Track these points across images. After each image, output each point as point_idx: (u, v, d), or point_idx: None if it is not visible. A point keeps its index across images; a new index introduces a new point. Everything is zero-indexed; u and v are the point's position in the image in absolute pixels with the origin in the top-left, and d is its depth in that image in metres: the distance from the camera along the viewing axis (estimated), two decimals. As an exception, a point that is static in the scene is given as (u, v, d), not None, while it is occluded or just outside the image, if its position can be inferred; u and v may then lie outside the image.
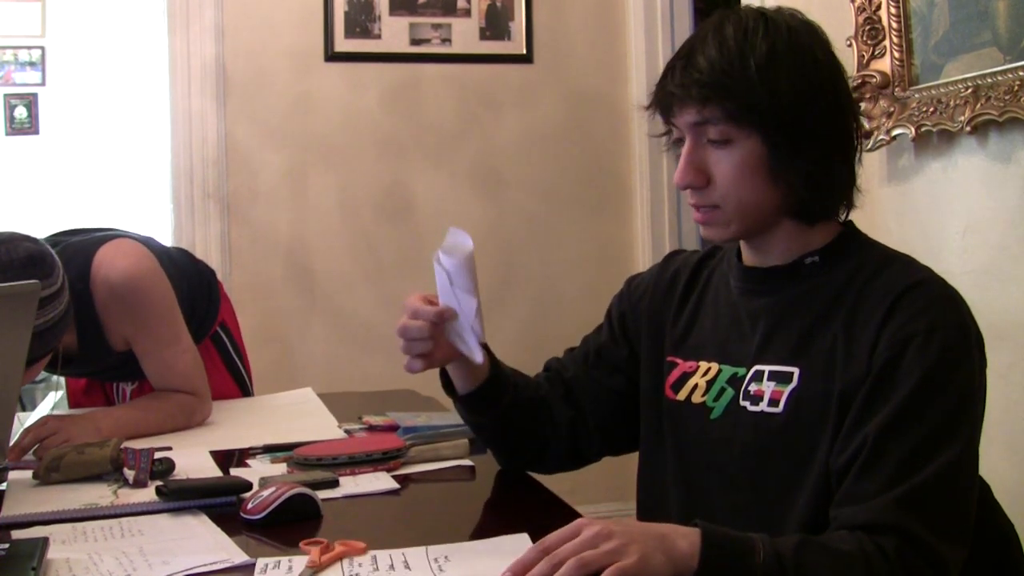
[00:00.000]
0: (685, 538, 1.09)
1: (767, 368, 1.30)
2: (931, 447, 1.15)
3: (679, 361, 1.43)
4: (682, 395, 1.40)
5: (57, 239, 2.02)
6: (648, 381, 1.47)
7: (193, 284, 2.26)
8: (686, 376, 1.41)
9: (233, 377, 2.35)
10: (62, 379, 2.25)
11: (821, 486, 1.22)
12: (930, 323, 1.20)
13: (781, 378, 1.29)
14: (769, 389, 1.29)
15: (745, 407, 1.31)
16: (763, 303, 1.35)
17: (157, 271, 2.04)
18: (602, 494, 3.74)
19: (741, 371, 1.34)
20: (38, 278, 1.67)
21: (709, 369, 1.38)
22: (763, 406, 1.29)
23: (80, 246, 2.00)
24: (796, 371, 1.28)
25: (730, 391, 1.34)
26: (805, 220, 1.33)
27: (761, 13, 1.31)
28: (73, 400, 2.29)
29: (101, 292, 1.96)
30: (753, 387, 1.31)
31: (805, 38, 1.29)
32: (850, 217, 1.40)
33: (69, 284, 1.84)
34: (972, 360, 1.22)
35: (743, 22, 1.29)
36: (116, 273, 1.96)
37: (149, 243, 2.15)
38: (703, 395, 1.37)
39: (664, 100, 1.32)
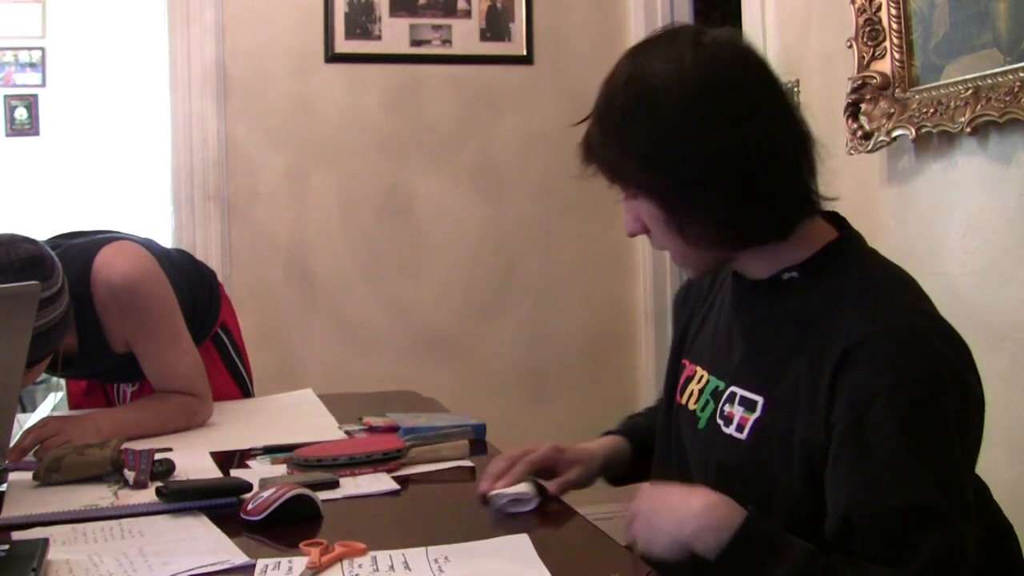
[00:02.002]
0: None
1: (739, 392, 1.28)
2: (930, 516, 1.09)
3: (687, 364, 1.44)
4: (683, 399, 1.41)
5: (57, 242, 2.02)
6: (669, 382, 1.47)
7: (194, 285, 2.26)
8: (688, 380, 1.41)
9: (234, 378, 2.35)
10: (62, 380, 2.25)
11: (780, 519, 1.18)
12: (894, 380, 1.12)
13: (748, 405, 1.26)
14: (738, 414, 1.27)
15: (720, 426, 1.30)
16: (747, 319, 1.32)
17: (157, 273, 2.04)
18: (602, 495, 3.73)
19: (721, 386, 1.33)
20: (38, 280, 1.67)
21: (702, 377, 1.38)
22: (731, 430, 1.28)
23: (80, 248, 2.00)
24: (761, 401, 1.25)
25: (712, 405, 1.33)
26: (761, 245, 1.25)
27: (631, 61, 1.24)
28: (73, 402, 2.29)
29: (101, 294, 1.96)
30: (727, 408, 1.30)
31: (673, 81, 1.18)
32: (850, 217, 1.37)
33: (69, 286, 1.84)
34: (948, 407, 1.13)
35: (616, 72, 1.24)
36: (116, 275, 1.96)
37: (149, 245, 2.15)
38: (695, 402, 1.37)
39: (580, 156, 1.31)
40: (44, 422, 1.79)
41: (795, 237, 1.26)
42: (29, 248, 1.75)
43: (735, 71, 1.21)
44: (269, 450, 1.73)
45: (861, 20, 2.33)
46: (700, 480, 1.32)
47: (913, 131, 2.19)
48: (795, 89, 2.78)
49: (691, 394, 1.39)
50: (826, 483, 1.16)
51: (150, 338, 2.02)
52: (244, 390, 2.37)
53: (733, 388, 1.30)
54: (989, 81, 1.97)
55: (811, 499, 1.18)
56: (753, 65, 1.24)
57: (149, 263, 2.03)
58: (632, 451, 1.61)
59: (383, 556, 1.17)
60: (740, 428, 1.26)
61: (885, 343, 1.14)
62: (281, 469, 1.61)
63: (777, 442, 1.21)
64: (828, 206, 1.30)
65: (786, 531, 1.16)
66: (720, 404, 1.31)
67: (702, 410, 1.35)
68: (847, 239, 1.31)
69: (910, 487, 1.10)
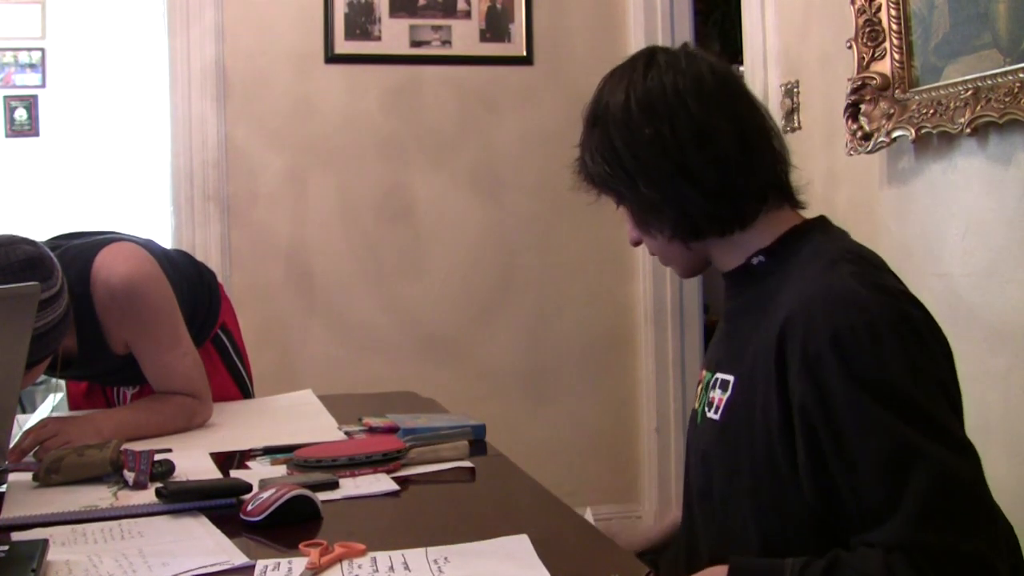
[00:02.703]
0: None
1: (720, 376, 1.35)
2: (909, 457, 1.11)
3: (702, 371, 1.48)
4: (696, 403, 1.45)
5: (57, 243, 2.02)
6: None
7: (194, 286, 2.26)
8: (698, 386, 1.45)
9: (234, 379, 2.35)
10: (62, 381, 2.25)
11: (755, 502, 1.23)
12: (832, 335, 1.16)
13: (724, 386, 1.33)
14: (717, 397, 1.34)
15: (706, 413, 1.36)
16: (729, 307, 1.41)
17: (157, 274, 2.04)
18: (602, 495, 3.74)
19: (710, 376, 1.39)
20: (37, 280, 1.68)
21: (705, 377, 1.42)
22: (712, 413, 1.34)
23: (80, 249, 2.00)
24: (732, 379, 1.31)
25: (705, 397, 1.39)
26: (718, 236, 1.36)
27: (599, 86, 1.41)
28: (73, 403, 2.29)
29: (101, 295, 1.96)
30: (711, 394, 1.36)
31: (620, 95, 1.35)
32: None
33: (69, 288, 1.84)
34: (891, 349, 1.15)
35: (595, 91, 1.42)
36: (116, 277, 1.96)
37: (149, 246, 2.14)
38: (698, 402, 1.41)
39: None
40: (43, 423, 1.79)
41: (761, 225, 1.35)
42: (28, 249, 1.75)
43: (672, 80, 1.34)
44: (269, 451, 1.73)
45: (861, 21, 2.33)
46: (692, 473, 1.39)
47: (913, 132, 2.19)
48: (795, 90, 2.78)
49: (697, 396, 1.43)
50: (802, 459, 1.19)
51: (150, 339, 2.02)
52: (244, 391, 2.37)
53: (716, 374, 1.36)
54: (989, 82, 1.97)
55: (772, 475, 1.22)
56: (696, 71, 1.35)
57: (149, 264, 2.03)
58: None
59: (383, 557, 1.17)
60: (717, 410, 1.32)
61: (818, 305, 1.19)
62: (281, 470, 1.61)
63: (743, 417, 1.27)
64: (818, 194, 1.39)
65: (753, 513, 1.23)
66: (708, 393, 1.37)
67: (700, 405, 1.40)
68: (810, 222, 1.38)
69: (878, 435, 1.13)
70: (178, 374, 2.03)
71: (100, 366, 2.07)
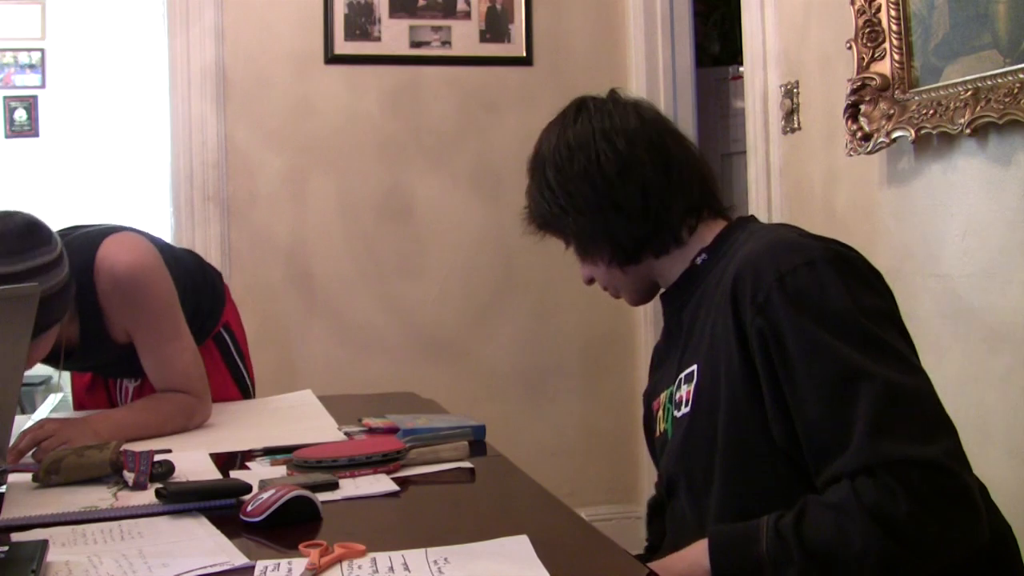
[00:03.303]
0: (698, 550, 1.24)
1: (683, 373, 1.40)
2: (855, 378, 1.17)
3: (651, 405, 1.55)
4: (658, 428, 1.50)
5: (62, 232, 2.03)
6: (648, 436, 1.59)
7: (197, 284, 2.26)
8: (654, 414, 1.52)
9: (234, 378, 2.35)
10: (63, 381, 2.26)
11: (729, 462, 1.29)
12: (777, 276, 1.25)
13: (689, 378, 1.37)
14: (684, 392, 1.38)
15: (675, 416, 1.40)
16: (681, 314, 1.48)
17: (160, 266, 2.04)
18: (602, 496, 3.74)
19: (671, 389, 1.43)
20: (36, 245, 1.74)
21: (663, 397, 1.48)
22: (683, 409, 1.38)
23: (84, 238, 2.01)
24: (696, 367, 1.36)
25: (670, 409, 1.43)
26: (654, 257, 1.48)
27: (544, 132, 1.57)
28: (77, 401, 2.30)
29: (104, 282, 1.97)
30: (677, 394, 1.40)
31: (544, 134, 1.54)
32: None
33: (73, 274, 1.86)
34: (831, 281, 1.23)
35: (536, 144, 1.58)
36: (120, 265, 1.97)
37: (154, 240, 2.16)
38: (663, 422, 1.47)
39: None
40: (40, 424, 1.79)
41: (696, 237, 1.47)
42: (26, 216, 1.78)
43: (600, 121, 1.48)
44: (269, 451, 1.73)
45: (861, 21, 2.33)
46: (672, 484, 1.42)
47: (913, 132, 2.19)
48: (794, 90, 2.78)
49: (659, 420, 1.48)
50: (768, 404, 1.25)
51: (150, 330, 2.03)
52: (244, 391, 2.37)
53: (680, 375, 1.40)
54: (989, 82, 1.97)
55: (745, 444, 1.27)
56: (622, 108, 1.50)
57: (152, 257, 2.04)
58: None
59: (383, 557, 1.17)
60: (687, 403, 1.37)
61: (763, 256, 1.29)
62: (281, 470, 1.61)
63: (710, 393, 1.32)
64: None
65: (729, 476, 1.30)
66: (673, 400, 1.41)
67: (667, 422, 1.44)
68: (742, 218, 1.50)
69: (824, 360, 1.19)
70: (176, 368, 2.03)
71: (102, 356, 2.07)
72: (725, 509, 1.30)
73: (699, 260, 1.46)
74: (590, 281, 1.59)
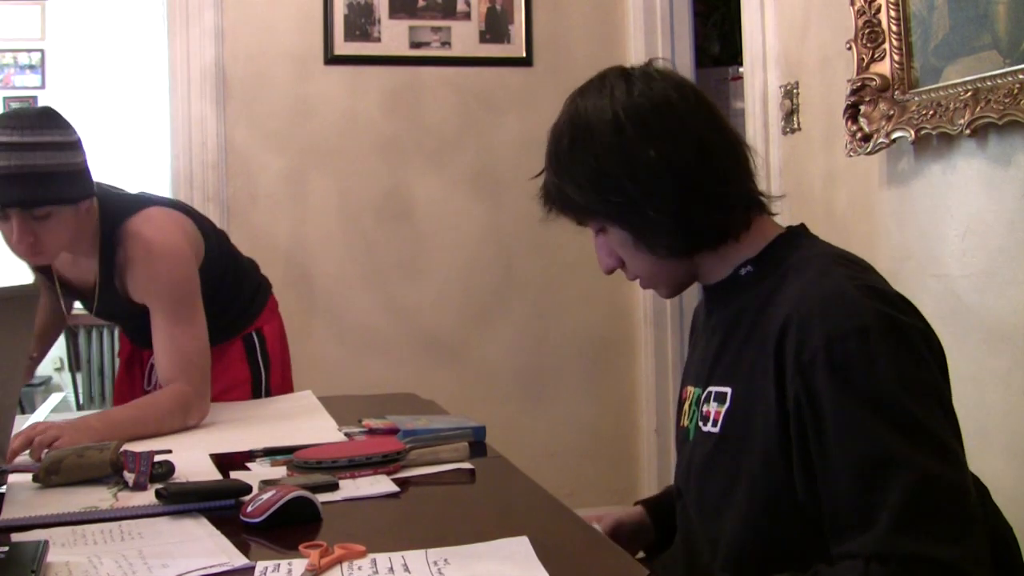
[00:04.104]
0: None
1: (714, 389, 1.34)
2: (889, 464, 1.11)
3: (683, 390, 1.47)
4: (682, 422, 1.44)
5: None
6: (677, 415, 1.52)
7: (238, 282, 2.41)
8: (683, 403, 1.45)
9: (252, 382, 2.37)
10: (63, 381, 2.27)
11: (749, 505, 1.24)
12: (825, 340, 1.16)
13: (720, 399, 1.31)
14: (713, 410, 1.32)
15: (700, 428, 1.35)
16: (716, 319, 1.39)
17: (187, 254, 2.11)
18: (602, 497, 3.74)
19: (701, 391, 1.37)
20: (52, 126, 1.91)
21: (691, 393, 1.42)
22: (708, 427, 1.32)
23: (132, 199, 2.16)
24: (730, 391, 1.30)
25: (696, 413, 1.37)
26: (712, 249, 1.34)
27: (569, 105, 1.36)
28: (118, 394, 2.41)
29: (131, 248, 2.06)
30: (705, 408, 1.34)
31: (597, 118, 1.31)
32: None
33: (104, 219, 2.05)
34: (882, 356, 1.15)
35: (556, 126, 1.37)
36: (150, 230, 2.07)
37: (203, 225, 2.27)
38: (687, 419, 1.41)
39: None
40: (33, 425, 1.77)
41: (747, 237, 1.34)
42: (47, 106, 1.96)
43: (661, 92, 1.31)
44: (269, 452, 1.73)
45: (860, 22, 2.33)
46: (688, 487, 1.38)
47: (912, 133, 2.19)
48: (794, 91, 2.78)
49: (684, 414, 1.43)
50: (795, 463, 1.19)
51: (163, 306, 2.06)
52: (256, 394, 2.38)
53: (709, 388, 1.34)
54: (988, 83, 1.97)
55: (770, 482, 1.22)
56: (676, 85, 1.33)
57: (183, 241, 2.12)
58: (653, 521, 1.61)
59: (382, 558, 1.17)
60: (715, 423, 1.31)
61: (814, 308, 1.19)
62: (281, 471, 1.61)
63: (742, 427, 1.26)
64: (777, 202, 1.40)
65: (745, 524, 1.24)
66: (700, 408, 1.35)
67: (690, 421, 1.39)
68: (794, 230, 1.38)
69: (860, 440, 1.13)
70: (181, 352, 2.04)
71: (119, 307, 2.12)
72: (738, 543, 1.27)
73: (743, 271, 1.34)
74: (611, 271, 1.43)
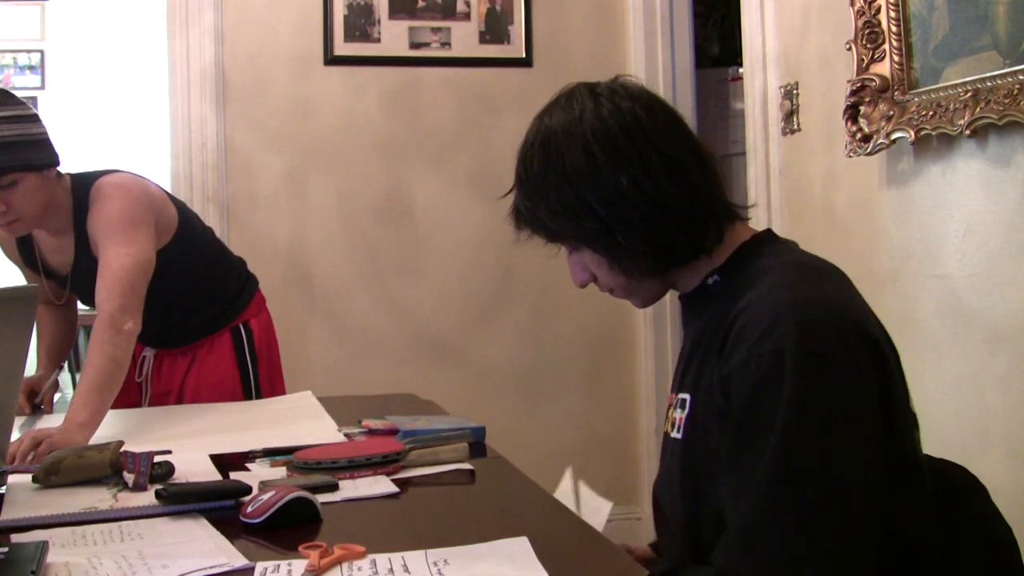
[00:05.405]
0: None
1: (680, 396, 1.36)
2: (750, 484, 1.14)
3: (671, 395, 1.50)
4: (666, 427, 1.46)
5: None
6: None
7: (224, 272, 2.46)
8: (668, 408, 1.47)
9: (240, 373, 2.39)
10: (63, 381, 2.27)
11: (709, 517, 1.26)
12: (746, 356, 1.17)
13: (683, 405, 1.34)
14: (678, 416, 1.34)
15: (669, 434, 1.38)
16: (690, 328, 1.40)
17: (144, 198, 2.21)
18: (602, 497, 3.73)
19: (675, 398, 1.40)
20: (9, 103, 2.00)
21: (673, 399, 1.43)
22: (675, 432, 1.35)
23: (105, 170, 2.29)
24: (689, 397, 1.32)
25: (671, 420, 1.40)
26: (684, 264, 1.35)
27: (538, 124, 1.36)
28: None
29: (94, 196, 2.17)
30: (673, 414, 1.37)
31: (566, 142, 1.30)
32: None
33: (74, 189, 2.19)
34: (786, 389, 1.13)
35: (525, 147, 1.37)
36: (113, 186, 2.19)
37: (177, 202, 2.38)
38: (668, 425, 1.43)
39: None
40: (20, 439, 1.75)
41: (717, 247, 1.34)
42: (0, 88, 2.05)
43: (630, 112, 1.31)
44: (269, 453, 1.73)
45: (860, 22, 2.33)
46: (662, 489, 1.42)
47: (912, 134, 2.19)
48: (794, 92, 2.78)
49: (667, 420, 1.44)
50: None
51: (106, 235, 2.12)
52: (246, 388, 2.39)
53: (679, 395, 1.37)
54: (988, 84, 1.97)
55: (715, 486, 1.23)
56: (644, 104, 1.33)
57: (141, 192, 2.22)
58: None
59: (382, 559, 1.17)
60: (679, 429, 1.34)
61: (746, 322, 1.20)
62: (280, 472, 1.61)
63: (700, 435, 1.28)
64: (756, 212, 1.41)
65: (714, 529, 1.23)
66: (673, 413, 1.38)
67: (668, 427, 1.41)
68: (759, 237, 1.37)
69: (739, 463, 1.16)
70: (111, 270, 2.06)
71: (93, 273, 2.13)
72: (703, 546, 1.29)
73: (711, 281, 1.35)
74: (585, 285, 1.45)
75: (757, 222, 1.48)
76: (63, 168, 2.22)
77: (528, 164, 1.36)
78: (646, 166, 1.28)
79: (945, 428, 2.05)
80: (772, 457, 1.13)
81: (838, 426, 1.14)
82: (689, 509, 1.30)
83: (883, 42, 2.29)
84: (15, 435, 1.71)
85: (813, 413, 1.13)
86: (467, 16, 3.69)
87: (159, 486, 1.44)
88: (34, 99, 5.68)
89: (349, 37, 3.62)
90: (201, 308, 2.41)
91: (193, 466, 1.63)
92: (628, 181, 1.27)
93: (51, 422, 1.96)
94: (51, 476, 1.53)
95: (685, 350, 1.40)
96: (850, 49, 2.35)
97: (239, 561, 1.18)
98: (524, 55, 3.74)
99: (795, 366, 1.14)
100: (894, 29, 2.27)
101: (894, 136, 2.26)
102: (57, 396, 2.36)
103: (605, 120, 1.30)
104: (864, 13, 2.32)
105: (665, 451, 1.42)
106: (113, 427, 1.97)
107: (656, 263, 1.33)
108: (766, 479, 1.13)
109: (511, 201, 1.41)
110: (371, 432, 1.88)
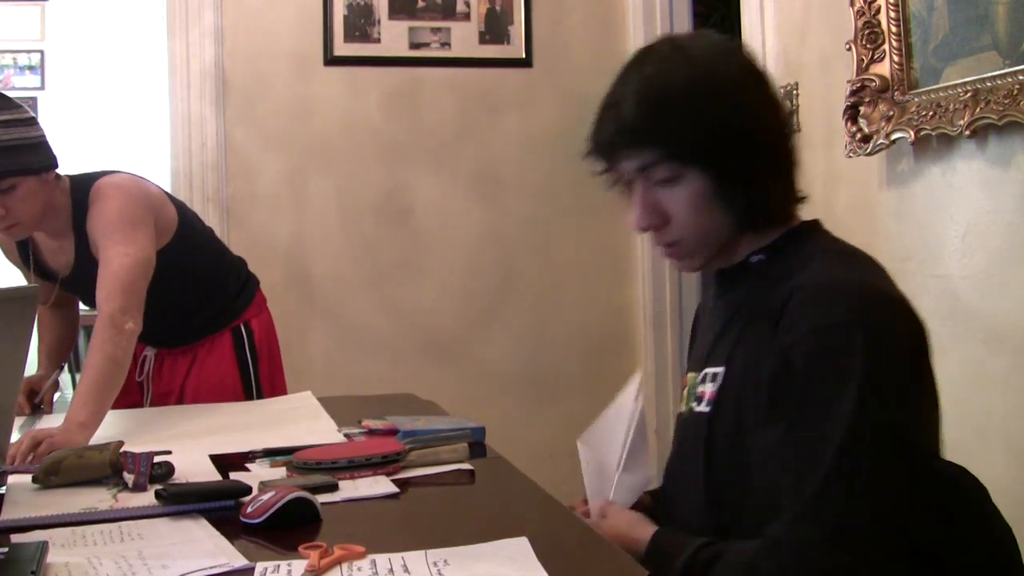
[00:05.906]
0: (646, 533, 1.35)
1: (709, 370, 1.36)
2: (820, 459, 1.16)
3: (683, 379, 1.49)
4: (680, 408, 1.46)
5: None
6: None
7: (224, 273, 2.46)
8: (682, 390, 1.46)
9: (240, 372, 2.39)
10: (63, 381, 2.27)
11: (725, 487, 1.30)
12: (810, 328, 1.20)
13: (714, 378, 1.35)
14: (707, 390, 1.35)
15: (693, 408, 1.38)
16: (722, 304, 1.41)
17: (142, 200, 2.21)
18: (602, 498, 3.73)
19: (695, 376, 1.40)
20: (5, 107, 1.99)
21: (689, 379, 1.43)
22: (701, 406, 1.36)
23: (104, 171, 2.28)
24: (722, 371, 1.33)
25: (692, 396, 1.40)
26: (758, 230, 1.36)
27: (677, 47, 1.36)
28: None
29: (93, 197, 2.16)
30: (699, 389, 1.37)
31: (721, 64, 1.33)
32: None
33: (73, 191, 2.19)
34: (859, 360, 1.17)
35: (662, 60, 1.34)
36: (112, 186, 2.19)
37: (177, 202, 2.38)
38: (684, 403, 1.43)
39: (602, 150, 1.38)
40: (20, 439, 1.74)
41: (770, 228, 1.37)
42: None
43: (759, 70, 1.37)
44: (268, 453, 1.73)
45: (860, 23, 2.33)
46: (674, 469, 1.44)
47: (912, 134, 2.19)
48: (794, 92, 2.78)
49: (682, 400, 1.45)
50: (754, 423, 1.25)
51: (105, 235, 2.11)
52: (247, 388, 2.40)
53: (706, 370, 1.37)
54: (988, 84, 1.97)
55: (741, 455, 1.27)
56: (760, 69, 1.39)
57: (140, 193, 2.22)
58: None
59: (382, 559, 1.17)
60: (708, 403, 1.34)
61: (807, 297, 1.23)
62: (280, 472, 1.61)
63: (731, 406, 1.30)
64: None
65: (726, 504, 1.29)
66: (695, 390, 1.38)
67: (685, 405, 1.41)
68: (808, 223, 1.40)
69: (803, 433, 1.18)
70: (111, 270, 2.06)
71: (92, 274, 2.12)
72: (707, 516, 1.32)
73: (754, 259, 1.36)
74: (646, 229, 1.37)
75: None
76: (62, 169, 2.21)
77: (665, 82, 1.32)
78: (776, 112, 1.36)
79: (945, 428, 2.04)
80: (845, 426, 1.15)
81: (910, 399, 1.21)
82: (712, 482, 1.32)
83: (883, 42, 2.30)
84: (15, 435, 1.71)
85: (887, 385, 1.18)
86: (467, 16, 3.69)
87: (159, 486, 1.44)
88: (34, 99, 5.69)
89: (349, 37, 3.62)
90: (201, 308, 2.42)
91: (193, 466, 1.63)
92: (767, 114, 1.34)
93: (51, 422, 1.96)
94: (51, 476, 1.53)
95: (715, 326, 1.40)
96: (850, 49, 2.35)
97: (239, 561, 1.18)
98: (524, 55, 3.74)
99: (867, 340, 1.18)
100: (894, 29, 2.27)
101: (894, 136, 2.26)
102: (57, 396, 2.35)
103: (742, 59, 1.37)
104: (864, 13, 2.32)
105: (681, 430, 1.42)
106: (113, 427, 1.97)
107: (753, 210, 1.33)
108: (837, 448, 1.15)
109: (595, 132, 1.39)
110: (371, 432, 1.87)
